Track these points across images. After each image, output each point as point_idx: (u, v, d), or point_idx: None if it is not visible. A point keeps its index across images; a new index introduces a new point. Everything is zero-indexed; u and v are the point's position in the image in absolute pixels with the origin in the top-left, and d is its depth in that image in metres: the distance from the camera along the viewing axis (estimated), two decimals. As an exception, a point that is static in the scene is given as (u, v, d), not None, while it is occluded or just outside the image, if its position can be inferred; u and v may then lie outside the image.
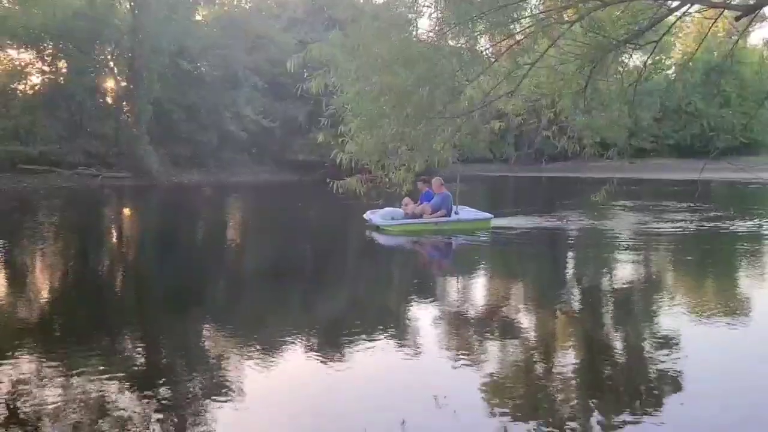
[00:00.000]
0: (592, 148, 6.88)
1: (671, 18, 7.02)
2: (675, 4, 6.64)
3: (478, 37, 6.28)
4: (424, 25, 6.94)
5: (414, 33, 6.43)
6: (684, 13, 6.44)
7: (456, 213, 12.83)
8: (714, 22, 8.33)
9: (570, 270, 10.18)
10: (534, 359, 5.26)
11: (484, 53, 5.73)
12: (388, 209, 12.38)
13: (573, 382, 4.69)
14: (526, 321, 6.59)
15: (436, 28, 5.72)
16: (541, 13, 6.46)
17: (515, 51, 6.16)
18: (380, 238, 12.04)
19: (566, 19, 6.21)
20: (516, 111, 8.81)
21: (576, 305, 7.54)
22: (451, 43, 6.37)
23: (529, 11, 6.15)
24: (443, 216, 12.52)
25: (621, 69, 6.83)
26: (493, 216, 13.23)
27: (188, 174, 31.81)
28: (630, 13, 7.16)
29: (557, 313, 7.00)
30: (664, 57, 41.82)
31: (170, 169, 31.08)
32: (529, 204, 20.84)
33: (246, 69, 33.43)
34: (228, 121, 33.24)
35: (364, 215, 12.71)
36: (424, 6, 6.31)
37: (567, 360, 5.25)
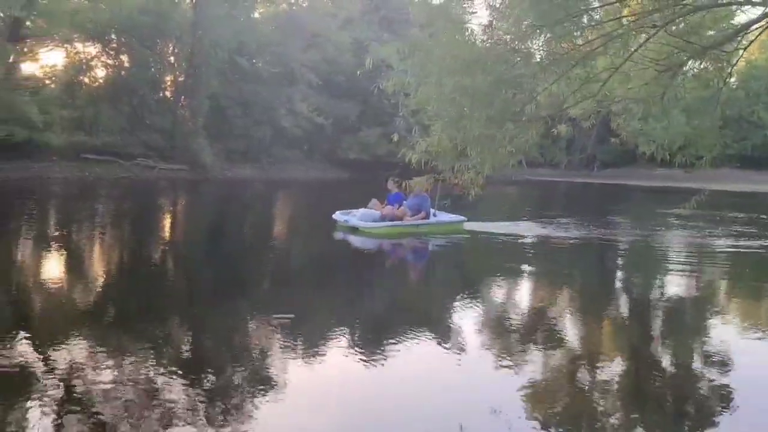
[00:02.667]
0: (669, 154, 6.69)
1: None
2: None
3: (554, 41, 6.22)
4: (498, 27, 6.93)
5: (490, 36, 6.41)
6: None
7: (434, 215, 12.72)
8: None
9: (619, 280, 9.95)
10: (580, 369, 5.22)
11: (564, 56, 5.64)
12: (363, 210, 12.32)
13: (618, 393, 4.64)
14: (572, 330, 6.50)
15: (516, 29, 5.68)
16: (624, 17, 6.36)
17: (594, 54, 6.08)
18: (363, 241, 11.84)
19: (649, 24, 6.08)
20: (585, 115, 8.70)
21: (623, 316, 7.40)
22: (528, 45, 6.33)
23: (612, 15, 6.06)
24: (423, 218, 12.41)
25: (704, 75, 6.66)
26: (466, 219, 13.05)
27: (241, 168, 32.39)
28: (713, 18, 6.98)
29: (604, 323, 6.90)
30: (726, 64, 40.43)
31: (224, 164, 31.70)
32: (578, 210, 20.42)
33: (302, 66, 33.84)
34: (282, 117, 33.73)
35: (334, 215, 12.62)
36: (502, 7, 6.28)
37: (613, 370, 5.18)
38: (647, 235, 14.19)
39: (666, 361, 5.70)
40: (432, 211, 12.63)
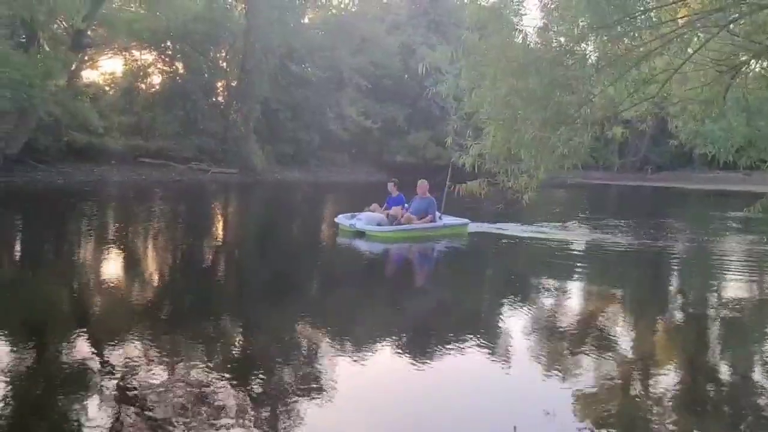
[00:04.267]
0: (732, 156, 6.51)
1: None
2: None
3: (610, 42, 6.13)
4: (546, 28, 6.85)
5: (544, 38, 6.36)
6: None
7: (440, 218, 12.51)
8: None
9: (674, 286, 9.66)
10: (634, 375, 5.12)
11: (621, 57, 5.55)
12: (367, 214, 12.08)
13: (674, 402, 4.55)
14: (625, 336, 6.36)
15: (571, 31, 5.63)
16: (682, 17, 6.22)
17: (652, 55, 5.96)
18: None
19: (710, 23, 5.93)
20: (641, 117, 8.52)
21: (678, 323, 7.20)
22: (583, 47, 6.26)
23: (671, 15, 5.93)
24: (430, 222, 12.22)
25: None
26: (470, 221, 12.90)
27: (290, 171, 32.89)
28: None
29: (658, 329, 6.74)
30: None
31: (274, 166, 32.26)
32: (631, 214, 19.94)
33: (350, 70, 34.19)
34: (330, 121, 34.14)
35: (336, 219, 12.44)
36: (556, 9, 6.23)
37: (667, 378, 5.06)
38: (705, 240, 13.77)
39: (723, 371, 5.54)
40: (438, 214, 12.44)
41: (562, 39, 6.14)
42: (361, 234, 11.70)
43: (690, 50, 6.03)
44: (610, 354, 5.56)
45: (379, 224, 11.87)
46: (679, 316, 7.60)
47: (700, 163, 40.90)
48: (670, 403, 4.52)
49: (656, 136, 40.81)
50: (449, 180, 12.72)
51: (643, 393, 4.75)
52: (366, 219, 11.93)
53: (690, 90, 6.94)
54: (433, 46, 28.38)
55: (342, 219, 12.31)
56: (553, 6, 6.00)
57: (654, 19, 5.76)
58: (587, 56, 5.90)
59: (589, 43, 6.01)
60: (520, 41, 5.90)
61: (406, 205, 12.39)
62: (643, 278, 10.01)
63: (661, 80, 6.13)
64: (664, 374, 5.17)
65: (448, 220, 12.74)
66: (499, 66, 5.55)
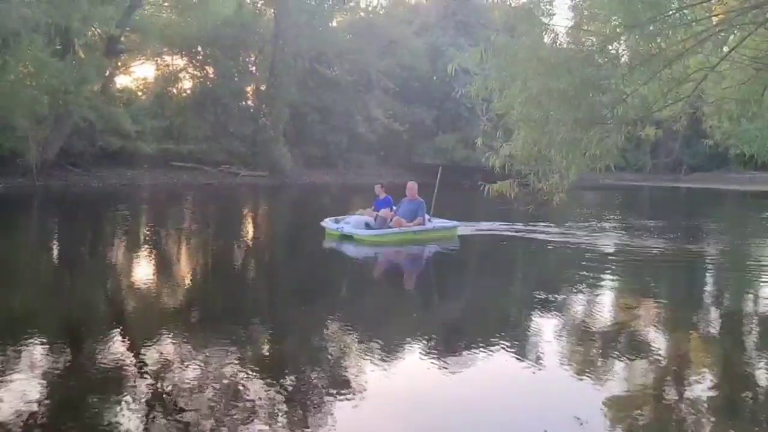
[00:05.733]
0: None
1: None
2: None
3: (644, 41, 6.04)
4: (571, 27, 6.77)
5: (575, 37, 6.30)
6: None
7: (430, 221, 12.11)
8: None
9: (708, 291, 9.42)
10: (668, 382, 5.03)
11: (655, 56, 5.46)
12: (355, 217, 11.72)
13: (709, 409, 4.44)
14: (657, 342, 6.22)
15: (604, 30, 5.56)
16: (718, 15, 6.10)
17: (687, 54, 5.85)
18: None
19: (748, 21, 5.80)
20: (675, 118, 8.37)
21: (712, 329, 7.02)
22: (615, 46, 6.18)
23: (705, 13, 5.82)
24: (419, 224, 11.80)
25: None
26: (459, 224, 12.59)
27: (319, 174, 33.07)
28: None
29: (692, 336, 6.60)
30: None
31: (302, 169, 32.49)
32: (665, 216, 19.56)
33: (378, 72, 34.28)
34: (358, 123, 34.24)
35: (323, 222, 11.98)
36: (588, 8, 6.16)
37: (702, 385, 4.94)
38: (742, 243, 13.44)
39: (760, 377, 5.37)
40: (427, 216, 12.06)
41: (594, 38, 6.08)
42: (348, 238, 11.27)
43: (726, 48, 5.91)
44: (642, 359, 5.46)
45: (367, 226, 11.49)
46: (714, 321, 7.42)
47: (736, 163, 40.02)
48: (705, 411, 4.41)
49: (690, 136, 40.07)
50: (438, 182, 12.66)
51: (677, 400, 4.66)
52: (353, 222, 11.54)
53: (726, 89, 6.79)
54: (461, 48, 28.25)
55: (329, 223, 11.85)
56: (584, 5, 5.93)
57: (688, 17, 5.66)
58: (619, 55, 5.82)
59: (621, 42, 5.93)
60: (551, 41, 5.85)
61: (394, 207, 12.04)
62: (677, 283, 9.81)
63: (696, 79, 6.01)
64: (699, 381, 5.05)
65: (438, 222, 12.35)
66: (530, 66, 5.51)
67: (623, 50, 6.03)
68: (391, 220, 11.65)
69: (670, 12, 5.13)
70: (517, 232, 13.21)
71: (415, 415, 4.19)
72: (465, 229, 12.95)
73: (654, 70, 5.55)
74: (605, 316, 7.25)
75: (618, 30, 5.52)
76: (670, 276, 10.16)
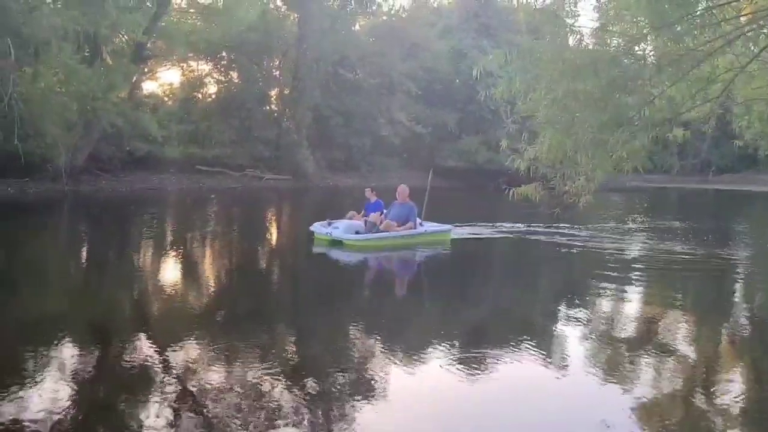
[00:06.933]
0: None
1: None
2: None
3: (671, 41, 5.95)
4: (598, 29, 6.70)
5: (600, 39, 6.24)
6: None
7: (421, 224, 11.84)
8: None
9: (737, 297, 9.21)
10: (695, 387, 4.97)
11: (684, 56, 5.38)
12: (346, 222, 11.48)
13: (737, 414, 4.36)
14: (684, 347, 6.13)
15: (630, 31, 5.50)
16: (747, 14, 5.99)
17: (716, 54, 5.76)
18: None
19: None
20: (703, 119, 8.24)
21: (740, 335, 6.89)
22: (642, 46, 6.10)
23: (734, 12, 5.72)
24: (410, 228, 11.52)
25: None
26: (453, 228, 12.33)
27: (342, 177, 33.15)
28: None
29: (720, 341, 6.49)
30: None
31: (325, 172, 32.61)
32: (693, 219, 19.22)
33: (400, 75, 34.30)
34: (381, 126, 34.27)
35: (312, 227, 11.71)
36: (613, 9, 6.10)
37: (729, 390, 4.86)
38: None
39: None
40: (418, 220, 11.80)
41: (620, 39, 6.01)
42: (338, 243, 11.06)
43: (756, 48, 5.80)
44: (670, 364, 5.38)
45: (357, 232, 11.27)
46: (744, 328, 7.26)
47: (766, 164, 39.21)
48: (734, 416, 4.33)
49: (718, 137, 39.33)
50: (429, 184, 12.55)
51: (705, 406, 4.58)
52: (344, 227, 11.30)
53: (756, 89, 6.67)
54: (484, 50, 28.14)
55: (318, 227, 11.59)
56: (609, 6, 5.87)
57: (716, 17, 5.57)
58: (646, 56, 5.74)
59: (648, 42, 5.86)
60: (576, 43, 5.80)
61: (384, 211, 11.81)
62: (706, 288, 9.62)
63: (725, 80, 5.91)
64: (727, 386, 4.98)
65: (430, 226, 12.10)
66: (555, 68, 5.47)
67: (650, 51, 5.96)
68: (380, 224, 11.42)
69: (698, 12, 5.05)
70: (533, 234, 13.09)
71: (438, 419, 4.19)
72: (459, 231, 12.81)
73: (682, 70, 5.47)
74: (631, 321, 7.15)
75: (645, 30, 5.45)
76: (698, 281, 9.98)
